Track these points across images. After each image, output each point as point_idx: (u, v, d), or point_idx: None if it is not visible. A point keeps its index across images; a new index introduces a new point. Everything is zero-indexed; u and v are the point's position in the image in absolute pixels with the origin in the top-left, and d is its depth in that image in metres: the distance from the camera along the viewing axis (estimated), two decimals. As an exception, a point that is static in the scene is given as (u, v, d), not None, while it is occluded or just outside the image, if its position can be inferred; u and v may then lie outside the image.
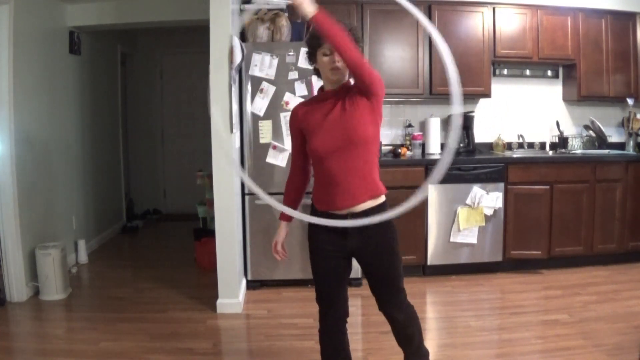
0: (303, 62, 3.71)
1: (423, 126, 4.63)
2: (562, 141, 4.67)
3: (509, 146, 4.72)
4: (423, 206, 4.07)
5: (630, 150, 4.62)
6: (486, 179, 4.11)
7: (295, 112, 2.05)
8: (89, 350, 2.90)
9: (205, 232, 4.57)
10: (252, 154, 3.81)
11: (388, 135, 4.67)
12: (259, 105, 3.76)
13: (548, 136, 4.82)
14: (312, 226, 2.02)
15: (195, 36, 4.79)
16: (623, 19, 4.55)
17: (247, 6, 3.84)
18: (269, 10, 3.83)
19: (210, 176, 3.81)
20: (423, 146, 4.53)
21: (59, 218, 4.33)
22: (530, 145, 4.76)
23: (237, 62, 3.47)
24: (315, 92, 2.33)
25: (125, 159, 6.31)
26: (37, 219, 3.90)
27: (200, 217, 4.82)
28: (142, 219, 6.37)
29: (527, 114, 4.82)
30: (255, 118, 3.78)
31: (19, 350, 2.96)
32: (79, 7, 4.49)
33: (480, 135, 4.71)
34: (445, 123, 4.66)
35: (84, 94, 4.96)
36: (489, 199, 4.09)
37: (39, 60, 4.01)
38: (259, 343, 3.05)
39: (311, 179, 2.13)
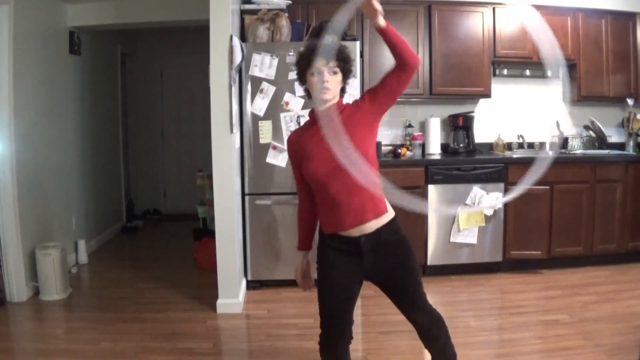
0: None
1: (423, 126, 4.63)
2: (562, 141, 4.67)
3: (509, 146, 4.72)
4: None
5: (630, 150, 4.62)
6: (486, 179, 4.11)
7: (290, 142, 2.00)
8: (89, 350, 2.90)
9: (205, 232, 4.57)
10: (252, 154, 3.81)
11: (388, 135, 4.67)
12: (259, 105, 3.76)
13: (548, 136, 4.82)
14: (323, 245, 1.98)
15: (195, 36, 4.78)
16: (623, 19, 4.55)
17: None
18: (269, 10, 3.83)
19: (210, 176, 3.81)
20: (423, 146, 4.53)
21: (59, 218, 4.33)
22: (530, 145, 4.76)
23: (237, 62, 3.47)
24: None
25: (125, 159, 6.31)
26: (37, 219, 3.90)
27: (200, 217, 4.82)
28: (142, 219, 6.37)
29: (527, 114, 4.82)
30: (255, 118, 3.78)
31: (19, 350, 2.96)
32: (79, 7, 4.49)
33: (480, 135, 4.71)
34: (445, 123, 4.67)
35: (84, 94, 4.96)
36: (489, 199, 4.09)
37: (39, 60, 4.01)
38: (259, 343, 3.05)
39: None
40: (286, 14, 3.91)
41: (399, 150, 4.33)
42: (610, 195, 4.28)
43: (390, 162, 4.15)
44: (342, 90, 1.96)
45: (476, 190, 4.09)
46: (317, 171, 1.86)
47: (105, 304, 3.67)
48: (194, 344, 2.99)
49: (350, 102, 1.96)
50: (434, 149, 4.52)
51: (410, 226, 4.05)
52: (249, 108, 3.77)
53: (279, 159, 3.80)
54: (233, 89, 3.45)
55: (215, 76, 3.36)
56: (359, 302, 3.75)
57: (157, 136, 6.76)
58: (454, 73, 4.37)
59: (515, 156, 4.31)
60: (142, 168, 6.67)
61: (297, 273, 2.13)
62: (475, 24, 4.37)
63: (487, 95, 4.47)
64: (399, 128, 4.70)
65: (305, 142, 1.93)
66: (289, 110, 3.76)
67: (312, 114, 1.97)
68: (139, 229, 6.03)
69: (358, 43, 3.86)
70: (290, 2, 3.99)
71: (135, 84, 6.64)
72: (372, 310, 3.46)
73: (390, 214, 1.95)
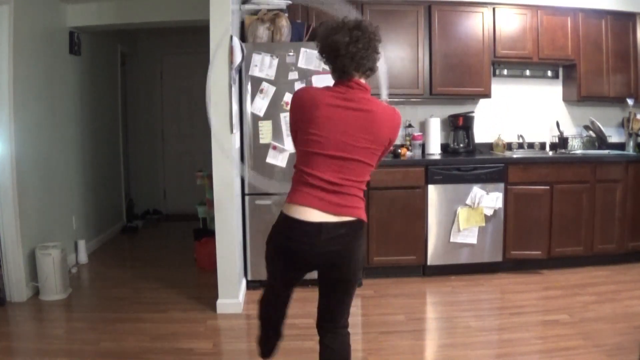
0: (303, 63, 3.71)
1: (423, 126, 4.63)
2: (562, 141, 4.67)
3: (509, 146, 4.72)
4: (423, 206, 4.08)
5: (630, 150, 4.62)
6: (486, 179, 4.11)
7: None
8: (89, 351, 2.90)
9: (205, 232, 4.57)
10: (252, 155, 3.81)
11: (388, 135, 4.66)
12: (259, 105, 3.76)
13: (548, 136, 4.82)
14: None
15: (195, 36, 4.78)
16: (623, 19, 4.55)
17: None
18: (269, 10, 3.83)
19: (210, 176, 3.81)
20: (423, 146, 4.53)
21: (59, 218, 4.33)
22: (530, 145, 4.76)
23: (237, 62, 3.47)
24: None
25: (125, 159, 6.30)
26: (37, 219, 3.90)
27: (200, 217, 4.82)
28: (142, 219, 6.36)
29: (527, 114, 4.82)
30: (255, 118, 3.78)
31: (19, 350, 2.96)
32: (79, 7, 4.49)
33: (480, 135, 4.71)
34: (445, 123, 4.67)
35: (84, 94, 4.96)
36: (489, 199, 4.09)
37: (39, 60, 4.01)
38: (259, 343, 3.05)
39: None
40: (286, 14, 3.91)
41: (399, 150, 4.33)
42: (610, 195, 4.28)
43: (390, 162, 4.15)
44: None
45: (476, 190, 4.09)
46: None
47: (105, 304, 3.67)
48: (194, 344, 2.99)
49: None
50: (434, 149, 4.52)
51: (410, 226, 4.06)
52: (249, 108, 3.77)
53: (279, 159, 3.79)
54: (233, 89, 3.45)
55: (215, 76, 3.35)
56: (359, 302, 3.76)
57: (157, 136, 6.76)
58: (454, 73, 4.37)
59: (515, 156, 4.31)
60: (142, 168, 6.67)
61: None
62: (475, 24, 4.37)
63: (487, 95, 4.47)
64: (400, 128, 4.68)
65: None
66: (289, 111, 3.75)
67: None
68: (139, 229, 6.03)
69: (358, 43, 3.86)
70: (290, 2, 3.99)
71: (135, 83, 6.64)
72: (372, 310, 3.46)
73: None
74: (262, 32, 3.80)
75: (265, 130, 3.78)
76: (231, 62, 3.36)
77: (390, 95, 4.41)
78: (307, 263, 1.89)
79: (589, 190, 4.24)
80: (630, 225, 4.32)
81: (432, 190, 4.09)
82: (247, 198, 3.83)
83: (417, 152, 4.42)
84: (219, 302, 3.47)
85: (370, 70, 1.85)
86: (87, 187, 4.99)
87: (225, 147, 3.22)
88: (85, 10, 4.51)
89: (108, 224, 5.57)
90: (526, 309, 3.47)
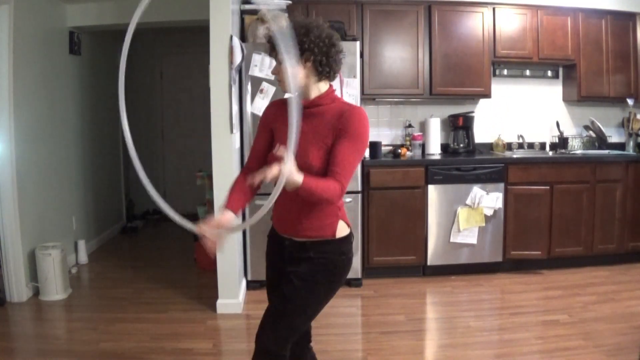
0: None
1: (423, 126, 4.63)
2: (562, 141, 4.67)
3: (509, 146, 4.72)
4: (423, 206, 4.08)
5: (630, 150, 4.62)
6: (486, 179, 4.11)
7: (267, 113, 1.88)
8: (89, 351, 2.90)
9: (206, 232, 4.56)
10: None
11: (388, 135, 4.67)
12: (259, 105, 3.76)
13: (548, 136, 4.82)
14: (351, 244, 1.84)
15: (195, 36, 4.78)
16: (623, 19, 4.55)
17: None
18: (269, 10, 3.83)
19: (210, 176, 3.80)
20: (423, 146, 4.53)
21: (59, 218, 4.33)
22: (530, 145, 4.76)
23: (237, 62, 3.47)
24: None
25: (125, 159, 6.30)
26: (37, 219, 3.90)
27: (200, 217, 4.82)
28: (142, 220, 6.36)
29: (527, 114, 4.82)
30: (256, 118, 3.77)
31: (19, 350, 2.96)
32: (79, 7, 4.49)
33: (480, 135, 4.71)
34: (445, 123, 4.67)
35: (84, 94, 4.96)
36: (489, 199, 4.09)
37: (39, 60, 4.01)
38: (259, 343, 3.05)
39: None
40: (286, 14, 3.91)
41: (399, 151, 4.33)
42: (610, 195, 4.28)
43: (390, 162, 4.15)
44: (327, 76, 1.72)
45: (476, 190, 4.09)
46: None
47: (105, 304, 3.67)
48: (194, 344, 2.99)
49: (345, 102, 1.79)
50: (434, 149, 4.51)
51: (410, 226, 4.05)
52: (249, 108, 3.77)
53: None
54: (233, 89, 3.45)
55: (215, 76, 3.36)
56: (359, 302, 3.76)
57: (157, 136, 6.75)
58: (454, 73, 4.37)
59: (515, 156, 4.31)
60: (142, 168, 6.65)
61: (210, 225, 1.69)
62: (475, 24, 4.37)
63: (487, 95, 4.47)
64: (399, 128, 4.70)
65: (282, 124, 1.71)
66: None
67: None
68: (139, 229, 6.03)
69: (358, 43, 3.86)
70: (290, 2, 3.99)
71: (135, 84, 6.64)
72: (372, 311, 3.46)
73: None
74: (262, 32, 3.80)
75: (265, 130, 3.77)
76: (231, 62, 3.36)
77: (390, 95, 4.43)
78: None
79: (589, 190, 4.24)
80: (630, 225, 4.32)
81: (432, 190, 4.09)
82: (247, 198, 3.82)
83: (417, 152, 4.42)
84: (219, 302, 3.47)
85: (337, 74, 1.78)
86: (87, 187, 4.99)
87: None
88: (85, 10, 4.51)
89: (108, 224, 5.57)
90: (526, 309, 3.47)
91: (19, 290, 3.64)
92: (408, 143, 4.52)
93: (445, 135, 4.69)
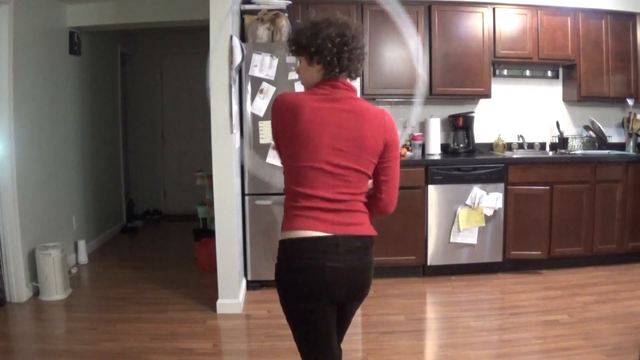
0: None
1: (423, 126, 4.63)
2: (562, 141, 4.67)
3: (509, 146, 4.72)
4: (423, 206, 4.08)
5: (630, 150, 4.62)
6: (486, 179, 4.11)
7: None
8: (89, 351, 2.90)
9: (205, 232, 4.57)
10: (252, 155, 3.80)
11: (388, 135, 4.66)
12: (259, 105, 3.76)
13: (548, 136, 4.83)
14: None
15: (195, 36, 4.78)
16: (623, 19, 4.55)
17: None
18: (269, 10, 3.83)
19: (210, 176, 3.81)
20: (423, 146, 4.53)
21: (59, 218, 4.33)
22: (531, 145, 4.76)
23: (237, 62, 3.47)
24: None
25: (125, 159, 6.30)
26: (37, 219, 3.90)
27: (200, 217, 4.82)
28: (142, 220, 6.36)
29: (527, 114, 4.82)
30: (256, 118, 3.78)
31: (19, 350, 2.96)
32: (79, 7, 4.49)
33: (480, 135, 4.71)
34: (446, 123, 4.67)
35: (84, 94, 4.96)
36: (489, 199, 4.09)
37: (39, 60, 4.01)
38: (259, 343, 3.05)
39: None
40: (286, 14, 3.92)
41: (399, 151, 4.33)
42: (610, 195, 4.28)
43: (390, 162, 4.14)
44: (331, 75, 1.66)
45: (476, 190, 4.09)
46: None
47: (105, 304, 3.67)
48: (194, 344, 2.99)
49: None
50: (434, 149, 4.51)
51: (410, 226, 4.05)
52: (249, 108, 3.77)
53: (280, 159, 3.79)
54: (233, 89, 3.45)
55: (215, 76, 3.35)
56: (359, 302, 3.73)
57: (157, 136, 6.75)
58: (454, 73, 4.37)
59: (515, 156, 4.31)
60: (142, 168, 6.67)
61: None
62: (475, 24, 4.37)
63: (487, 95, 4.47)
64: (398, 128, 4.68)
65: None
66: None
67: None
68: (139, 229, 6.03)
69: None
70: (290, 2, 3.99)
71: (135, 84, 6.64)
72: (372, 311, 3.46)
73: None
74: (262, 32, 3.81)
75: (266, 130, 3.78)
76: (231, 62, 3.36)
77: (390, 95, 4.43)
78: (335, 287, 1.62)
79: (589, 190, 4.24)
80: (630, 225, 4.32)
81: (432, 191, 4.09)
82: (247, 198, 3.83)
83: (417, 152, 4.42)
84: (219, 302, 3.47)
85: (357, 71, 1.69)
86: (87, 187, 4.99)
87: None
88: (85, 10, 4.51)
89: (108, 224, 5.57)
90: (526, 309, 3.47)
91: (19, 290, 3.64)
92: (408, 143, 4.53)
93: (445, 136, 4.69)
